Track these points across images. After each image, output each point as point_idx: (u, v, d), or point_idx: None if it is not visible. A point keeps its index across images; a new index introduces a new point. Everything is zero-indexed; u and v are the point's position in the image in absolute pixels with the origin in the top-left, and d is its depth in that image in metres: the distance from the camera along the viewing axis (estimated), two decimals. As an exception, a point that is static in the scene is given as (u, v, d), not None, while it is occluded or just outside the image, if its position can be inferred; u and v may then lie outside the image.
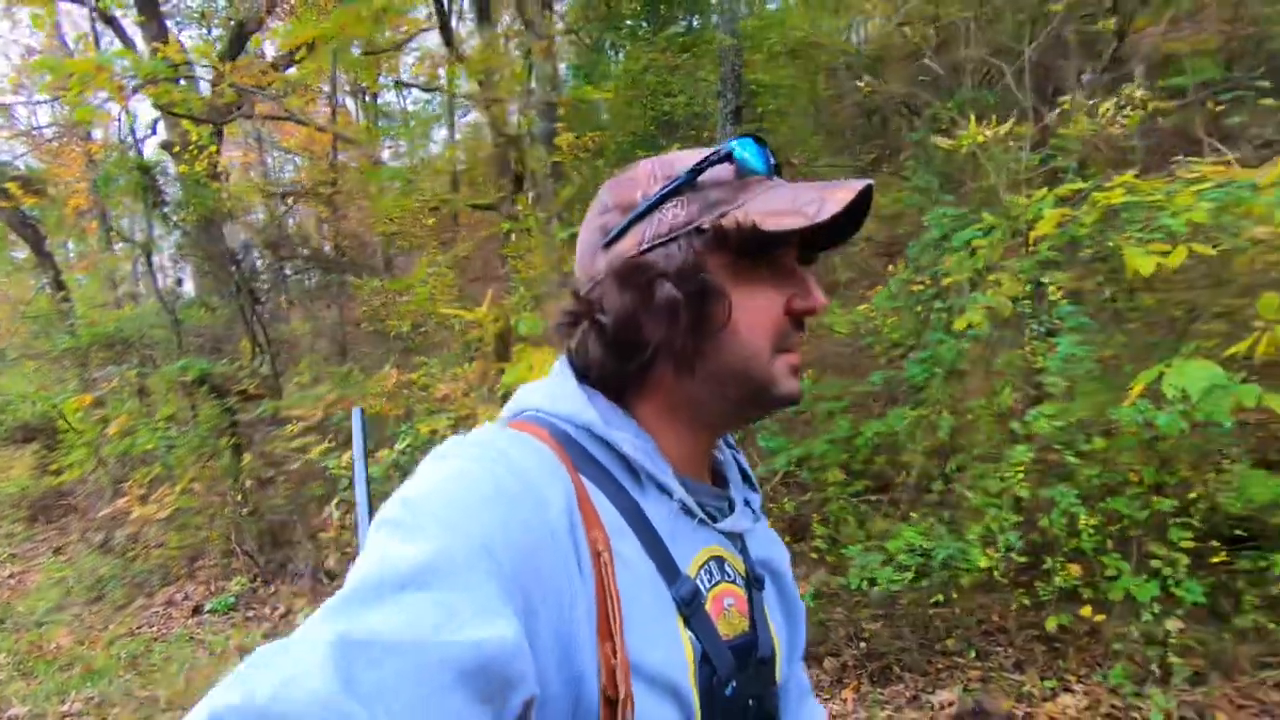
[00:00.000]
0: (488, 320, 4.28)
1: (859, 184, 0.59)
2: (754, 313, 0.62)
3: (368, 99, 12.22)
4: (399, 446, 3.90)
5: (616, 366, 0.64)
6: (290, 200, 10.18)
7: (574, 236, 0.87)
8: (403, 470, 3.77)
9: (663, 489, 0.63)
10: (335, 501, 4.46)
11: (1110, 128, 3.43)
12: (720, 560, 0.66)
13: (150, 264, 7.49)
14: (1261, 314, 2.48)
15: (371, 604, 0.43)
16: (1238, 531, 2.70)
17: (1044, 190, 3.24)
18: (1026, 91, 4.04)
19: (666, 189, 0.63)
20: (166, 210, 7.24)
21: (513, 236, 5.09)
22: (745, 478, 0.75)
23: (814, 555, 3.48)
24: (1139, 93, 3.40)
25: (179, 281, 9.89)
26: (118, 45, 7.05)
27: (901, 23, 6.26)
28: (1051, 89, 4.57)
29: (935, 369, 3.42)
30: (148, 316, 7.34)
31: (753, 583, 0.69)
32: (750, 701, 0.63)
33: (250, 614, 4.91)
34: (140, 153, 7.22)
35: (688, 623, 0.59)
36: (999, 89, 4.77)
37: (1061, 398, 2.96)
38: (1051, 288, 3.11)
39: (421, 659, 0.41)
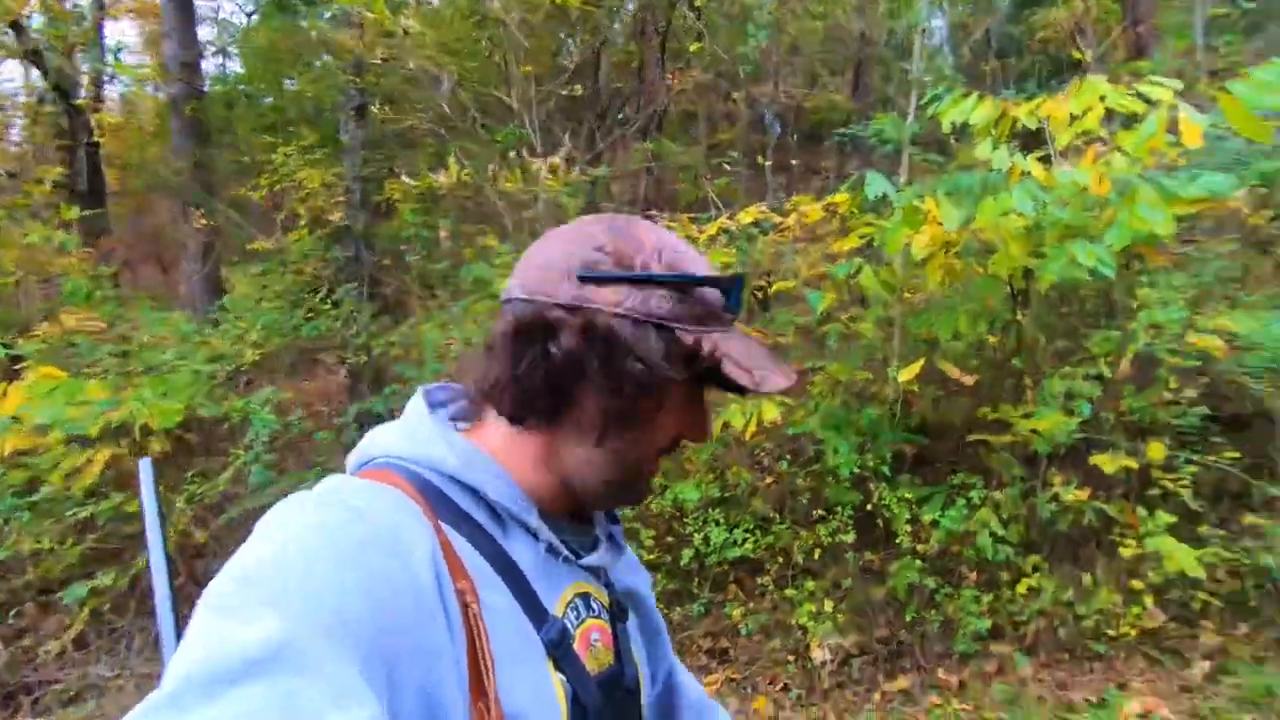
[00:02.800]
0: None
1: (792, 374, 0.64)
2: (666, 424, 0.65)
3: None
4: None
5: (520, 398, 0.61)
6: None
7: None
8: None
9: (529, 531, 0.63)
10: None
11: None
12: (586, 596, 0.67)
13: None
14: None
15: (201, 702, 0.38)
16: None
17: None
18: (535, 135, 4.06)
19: (673, 278, 0.62)
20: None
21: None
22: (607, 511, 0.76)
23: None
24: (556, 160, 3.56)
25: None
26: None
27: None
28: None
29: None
30: None
31: (617, 615, 0.70)
32: None
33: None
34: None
35: (558, 664, 0.60)
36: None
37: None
38: None
39: None
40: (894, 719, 3.10)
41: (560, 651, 0.60)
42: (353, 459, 0.65)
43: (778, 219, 3.63)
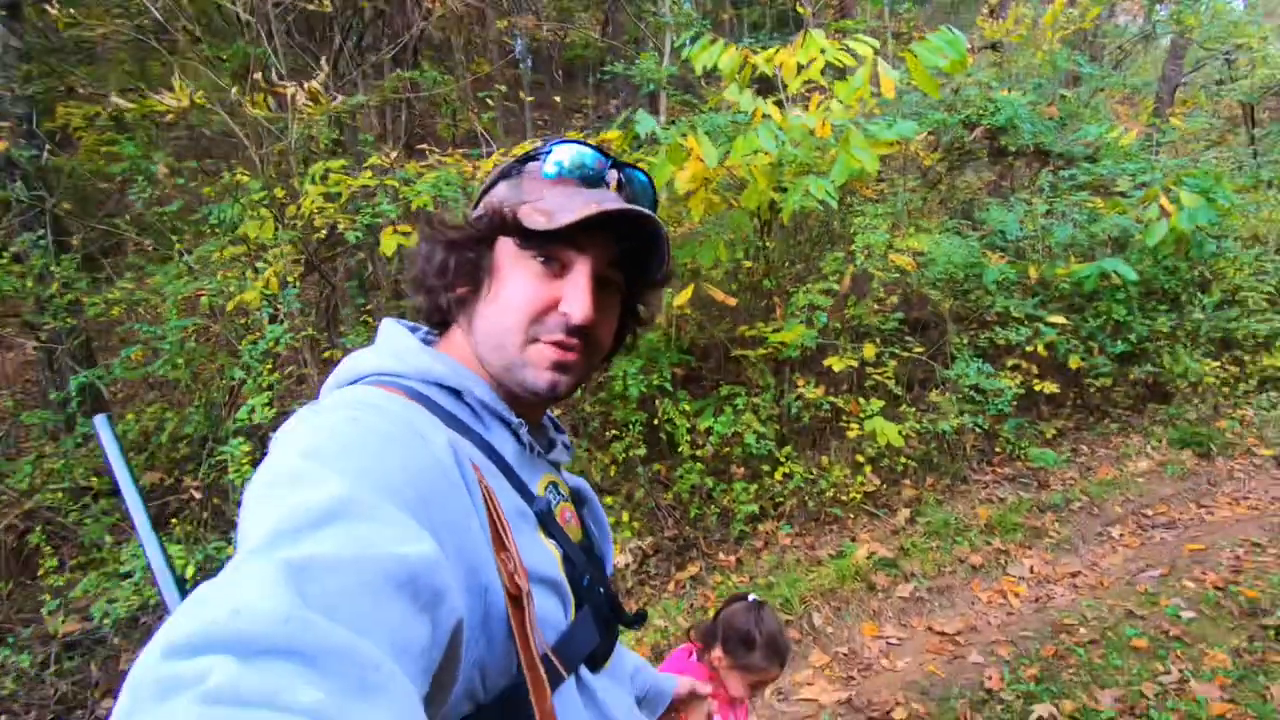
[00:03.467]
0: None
1: (613, 206, 0.66)
2: (513, 293, 0.69)
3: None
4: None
5: (425, 307, 0.75)
6: None
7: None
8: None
9: (508, 427, 0.71)
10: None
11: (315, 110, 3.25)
12: (555, 485, 0.76)
13: None
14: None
15: (299, 538, 0.43)
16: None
17: (319, 165, 3.35)
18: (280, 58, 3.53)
19: (500, 173, 0.73)
20: None
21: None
22: (552, 422, 0.86)
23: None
24: (316, 85, 3.29)
25: None
26: None
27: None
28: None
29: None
30: None
31: (579, 503, 0.82)
32: (600, 589, 0.74)
33: None
34: None
35: (548, 532, 0.69)
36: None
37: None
38: (291, 277, 3.20)
39: (361, 572, 0.42)
40: (687, 601, 3.55)
41: (548, 521, 0.69)
42: (333, 381, 0.69)
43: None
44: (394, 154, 3.60)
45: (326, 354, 3.73)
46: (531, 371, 0.70)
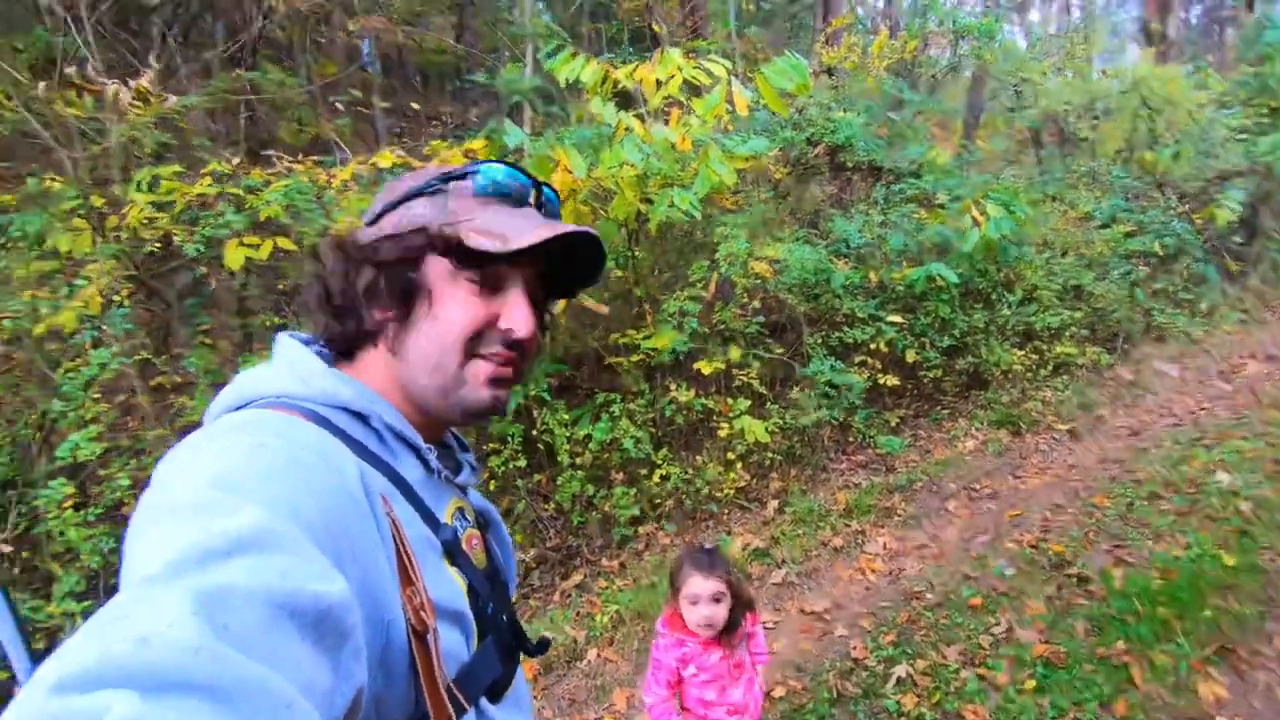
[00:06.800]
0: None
1: (566, 228, 0.69)
2: (453, 313, 0.69)
3: None
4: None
5: (338, 331, 0.71)
6: None
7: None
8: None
9: (416, 453, 0.71)
10: None
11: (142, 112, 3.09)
12: (462, 510, 0.76)
13: None
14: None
15: (207, 566, 0.41)
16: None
17: (146, 171, 3.17)
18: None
19: (413, 190, 0.72)
20: None
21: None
22: (459, 442, 0.86)
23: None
24: (144, 84, 3.14)
25: None
26: None
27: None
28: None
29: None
30: None
31: (483, 526, 0.82)
32: (503, 617, 0.74)
33: None
34: None
35: (453, 561, 0.69)
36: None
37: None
38: (118, 295, 3.00)
39: (274, 606, 0.41)
40: (574, 609, 3.57)
41: (454, 550, 0.69)
42: (224, 404, 0.65)
43: (417, 164, 3.58)
44: (236, 160, 3.32)
45: (158, 380, 3.37)
46: (472, 389, 0.70)
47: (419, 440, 0.70)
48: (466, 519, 0.76)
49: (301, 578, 0.43)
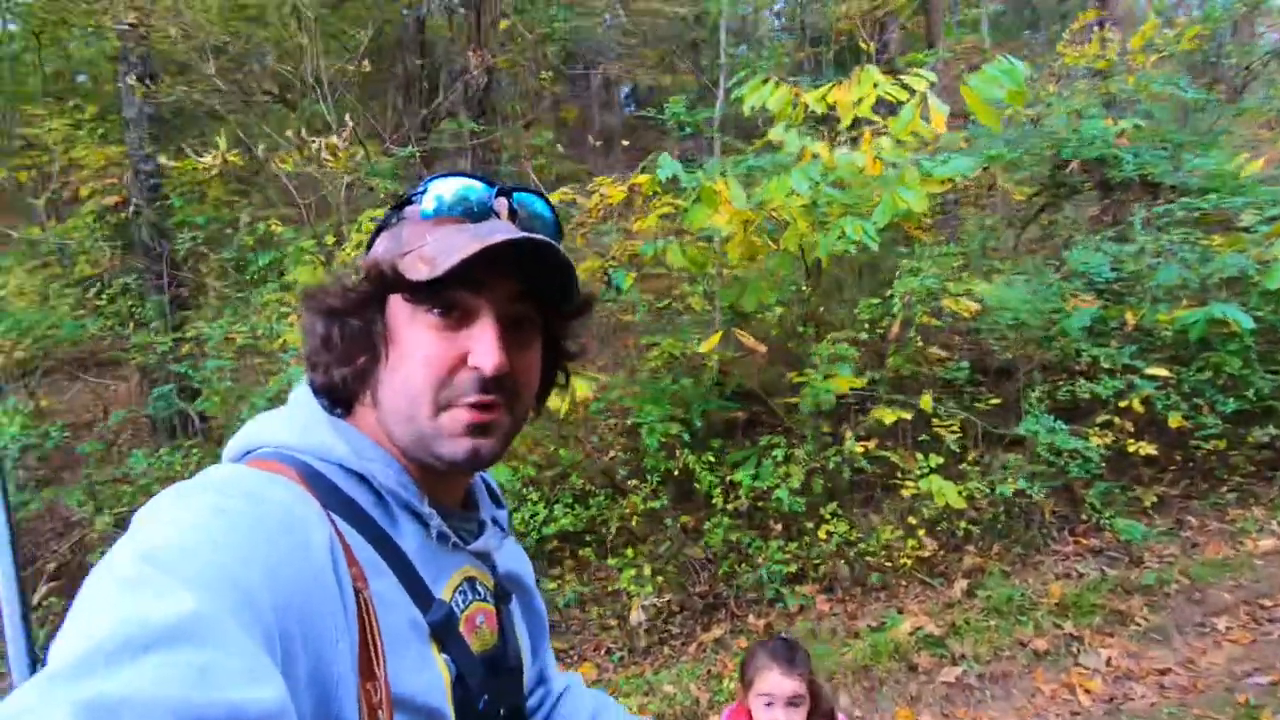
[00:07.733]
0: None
1: (500, 238, 0.58)
2: (416, 355, 0.61)
3: None
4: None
5: (321, 382, 0.65)
6: None
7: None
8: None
9: (417, 517, 0.63)
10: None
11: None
12: (473, 580, 0.68)
13: None
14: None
15: (116, 665, 0.37)
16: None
17: (368, 213, 3.51)
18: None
19: (379, 225, 0.66)
20: None
21: None
22: (491, 494, 0.76)
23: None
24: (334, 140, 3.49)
25: None
26: None
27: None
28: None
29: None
30: None
31: (501, 597, 0.72)
32: (501, 711, 0.65)
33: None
34: None
35: (443, 646, 0.61)
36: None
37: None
38: None
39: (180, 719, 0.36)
40: (705, 666, 3.34)
41: (445, 633, 0.61)
42: (234, 448, 0.63)
43: (583, 201, 3.72)
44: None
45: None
46: (447, 442, 0.61)
47: (421, 505, 0.62)
48: (477, 591, 0.68)
49: (223, 681, 0.39)
